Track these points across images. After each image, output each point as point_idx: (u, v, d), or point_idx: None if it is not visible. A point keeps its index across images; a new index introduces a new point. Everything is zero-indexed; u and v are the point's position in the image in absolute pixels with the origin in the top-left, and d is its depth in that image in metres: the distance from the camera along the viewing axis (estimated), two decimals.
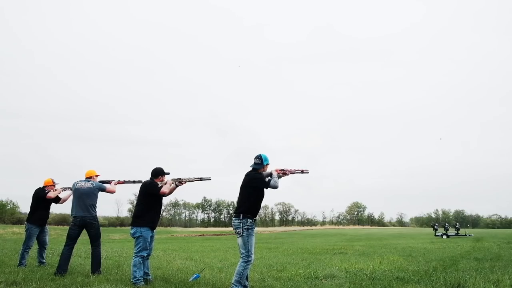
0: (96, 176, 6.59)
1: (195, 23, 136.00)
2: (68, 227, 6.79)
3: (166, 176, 5.83)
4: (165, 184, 5.67)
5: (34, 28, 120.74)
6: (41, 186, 7.31)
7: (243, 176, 5.22)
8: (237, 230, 4.94)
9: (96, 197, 6.30)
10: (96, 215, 6.28)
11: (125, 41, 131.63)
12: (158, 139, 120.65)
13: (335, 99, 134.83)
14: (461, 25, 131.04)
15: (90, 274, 5.94)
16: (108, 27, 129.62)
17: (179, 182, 5.79)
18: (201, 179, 5.81)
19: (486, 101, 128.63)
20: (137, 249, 5.41)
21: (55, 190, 7.19)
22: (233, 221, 5.04)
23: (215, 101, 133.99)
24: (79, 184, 6.28)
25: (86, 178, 6.45)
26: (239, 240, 4.92)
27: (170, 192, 5.75)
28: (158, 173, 5.75)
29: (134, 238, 5.51)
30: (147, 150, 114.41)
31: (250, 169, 5.21)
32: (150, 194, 5.59)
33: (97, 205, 6.32)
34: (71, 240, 6.12)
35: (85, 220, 6.12)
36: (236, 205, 5.22)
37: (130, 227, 5.65)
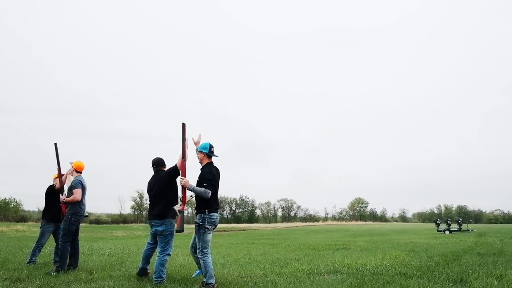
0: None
1: (186, 14, 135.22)
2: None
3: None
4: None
5: (27, 21, 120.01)
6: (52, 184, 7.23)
7: (216, 171, 5.25)
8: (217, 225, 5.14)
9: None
10: None
11: (110, 30, 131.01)
12: (147, 133, 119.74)
13: (338, 94, 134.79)
14: (460, 16, 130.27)
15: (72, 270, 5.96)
16: (94, 16, 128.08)
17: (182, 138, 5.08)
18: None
19: (487, 93, 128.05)
20: (166, 246, 5.21)
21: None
22: (216, 216, 5.10)
23: (207, 93, 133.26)
24: (84, 182, 6.32)
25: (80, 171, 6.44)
26: (210, 235, 5.05)
27: (184, 154, 5.08)
28: (160, 162, 5.60)
29: (162, 235, 5.24)
30: (139, 145, 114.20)
31: (214, 160, 5.33)
32: (171, 178, 5.29)
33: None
34: (71, 235, 6.17)
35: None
36: (217, 201, 5.23)
37: (150, 223, 5.38)
